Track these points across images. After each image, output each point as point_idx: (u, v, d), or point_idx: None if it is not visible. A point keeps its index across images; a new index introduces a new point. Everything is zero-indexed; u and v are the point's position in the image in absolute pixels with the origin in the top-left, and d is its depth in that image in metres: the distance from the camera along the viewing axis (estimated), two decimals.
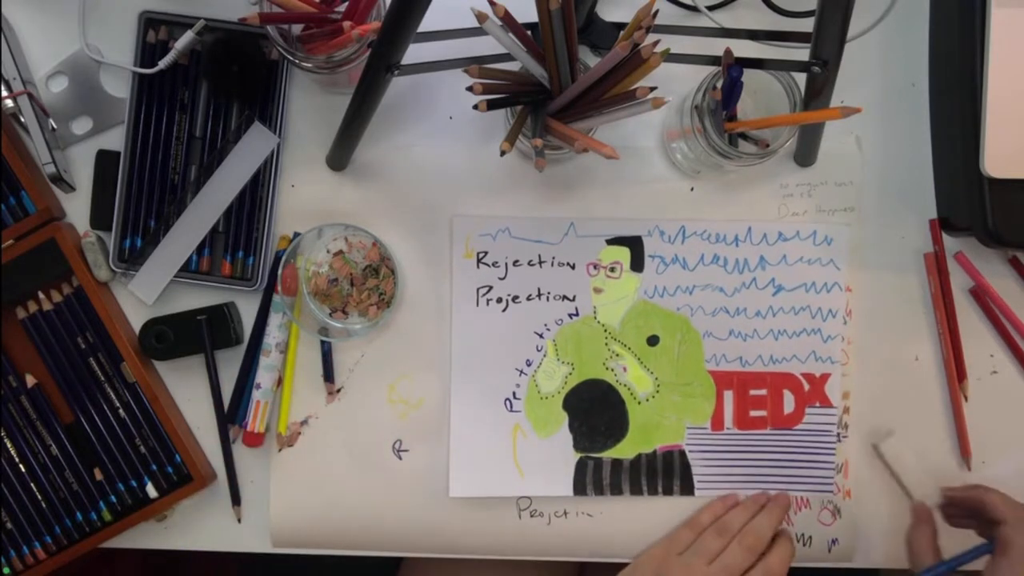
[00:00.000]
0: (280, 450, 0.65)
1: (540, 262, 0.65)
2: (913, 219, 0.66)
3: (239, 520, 0.66)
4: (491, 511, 0.65)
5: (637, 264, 0.66)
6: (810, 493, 0.66)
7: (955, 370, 0.65)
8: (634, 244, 0.66)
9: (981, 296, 0.65)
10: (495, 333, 0.65)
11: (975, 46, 0.59)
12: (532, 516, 0.65)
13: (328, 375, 0.65)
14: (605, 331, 0.66)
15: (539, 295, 0.65)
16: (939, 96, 0.66)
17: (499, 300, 0.65)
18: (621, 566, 0.63)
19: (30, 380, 0.65)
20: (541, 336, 0.66)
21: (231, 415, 0.65)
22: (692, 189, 0.66)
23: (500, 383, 0.65)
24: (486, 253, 0.65)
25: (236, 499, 0.66)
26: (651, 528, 0.65)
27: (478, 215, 0.65)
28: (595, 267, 0.66)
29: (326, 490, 0.65)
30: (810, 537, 0.66)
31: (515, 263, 0.65)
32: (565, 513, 0.65)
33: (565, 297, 0.65)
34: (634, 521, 0.65)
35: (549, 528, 0.65)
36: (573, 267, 0.65)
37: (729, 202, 0.66)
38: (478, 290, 0.65)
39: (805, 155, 0.65)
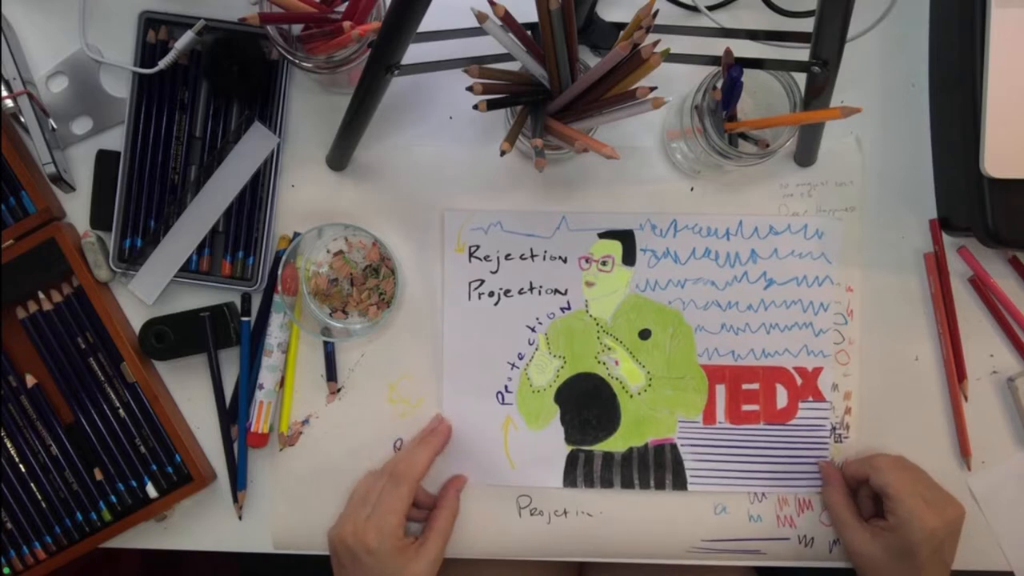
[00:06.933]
0: (282, 449, 0.65)
1: (532, 256, 0.65)
2: (913, 219, 0.66)
3: (239, 516, 0.66)
4: (491, 510, 0.65)
5: (629, 258, 0.66)
6: (806, 491, 0.66)
7: (955, 370, 0.65)
8: (626, 238, 0.66)
9: (981, 287, 0.65)
10: (487, 327, 0.65)
11: (975, 46, 0.59)
12: (532, 514, 0.65)
13: (331, 374, 0.65)
14: (597, 325, 0.66)
15: (531, 289, 0.66)
16: (939, 96, 0.66)
17: (491, 294, 0.65)
18: (621, 566, 0.63)
19: (30, 380, 0.65)
20: (533, 330, 0.66)
21: (232, 414, 0.65)
22: (692, 189, 0.66)
23: (492, 376, 0.66)
24: (478, 247, 0.65)
25: (236, 497, 0.66)
26: (651, 527, 0.65)
27: (469, 209, 0.65)
28: (587, 261, 0.66)
29: (327, 490, 0.65)
30: (812, 538, 0.66)
31: (507, 257, 0.65)
32: (565, 512, 0.65)
33: (557, 291, 0.66)
34: (633, 520, 0.65)
35: (549, 527, 0.65)
36: (565, 261, 0.66)
37: (729, 202, 0.66)
38: (470, 284, 0.65)
39: (805, 155, 0.65)
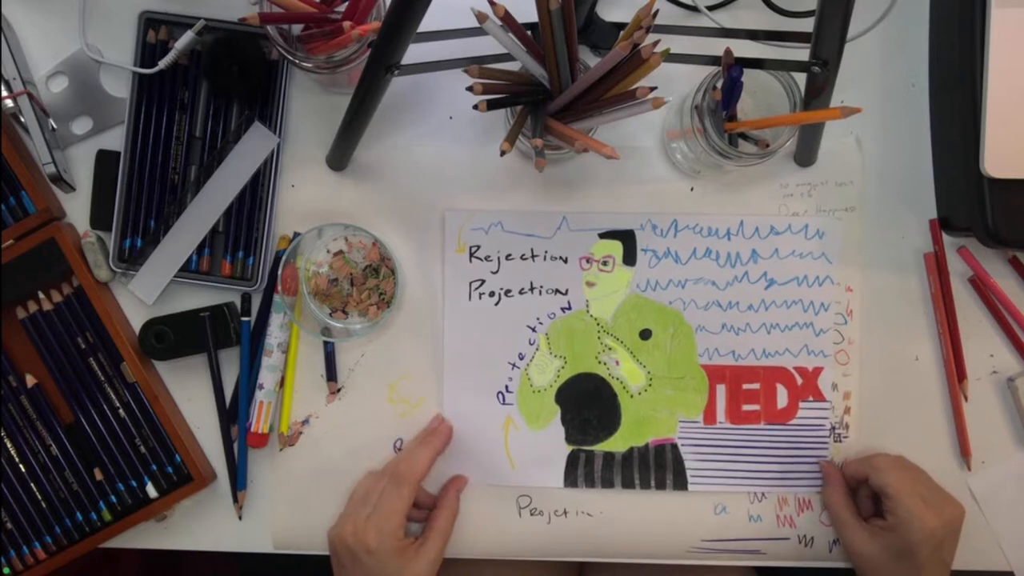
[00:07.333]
0: (282, 449, 0.65)
1: (532, 256, 0.65)
2: (913, 219, 0.66)
3: (239, 516, 0.66)
4: (491, 510, 0.65)
5: (630, 258, 0.66)
6: (805, 490, 0.66)
7: (955, 370, 0.65)
8: (626, 238, 0.66)
9: (981, 287, 0.65)
10: (487, 327, 0.65)
11: (975, 46, 0.59)
12: (532, 514, 0.66)
13: (331, 374, 0.65)
14: (598, 325, 0.66)
15: (532, 289, 0.66)
16: (939, 96, 0.66)
17: (492, 294, 0.66)
18: (621, 566, 0.63)
19: (30, 380, 0.65)
20: (534, 330, 0.66)
21: (232, 414, 0.65)
22: (692, 189, 0.66)
23: (493, 376, 0.66)
24: (478, 247, 0.65)
25: (236, 497, 0.65)
26: (651, 527, 0.65)
27: (470, 209, 0.65)
28: (588, 261, 0.66)
29: (327, 490, 0.65)
30: (812, 538, 0.66)
31: (507, 257, 0.65)
32: (565, 512, 0.65)
33: (558, 291, 0.66)
34: (633, 520, 0.65)
35: (549, 527, 0.65)
36: (566, 261, 0.66)
37: (729, 202, 0.66)
38: (471, 284, 0.65)
39: (805, 155, 0.65)
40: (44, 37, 0.66)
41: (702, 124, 0.57)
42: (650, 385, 0.66)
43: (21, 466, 0.65)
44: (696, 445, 0.66)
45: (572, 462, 0.65)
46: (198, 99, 0.65)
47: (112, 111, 0.65)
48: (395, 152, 0.66)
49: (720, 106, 0.58)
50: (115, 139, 0.66)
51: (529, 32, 0.52)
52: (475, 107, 0.53)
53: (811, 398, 0.66)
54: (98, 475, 0.65)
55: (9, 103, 0.62)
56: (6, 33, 0.63)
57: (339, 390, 0.66)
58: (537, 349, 0.66)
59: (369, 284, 0.64)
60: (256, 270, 0.65)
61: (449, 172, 0.66)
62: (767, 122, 0.57)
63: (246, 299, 0.65)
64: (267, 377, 0.64)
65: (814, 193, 0.66)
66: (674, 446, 0.66)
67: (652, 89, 0.48)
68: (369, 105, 0.56)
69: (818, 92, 0.55)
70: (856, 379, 0.66)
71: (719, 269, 0.66)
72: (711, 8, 0.65)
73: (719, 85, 0.57)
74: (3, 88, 0.62)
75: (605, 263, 0.66)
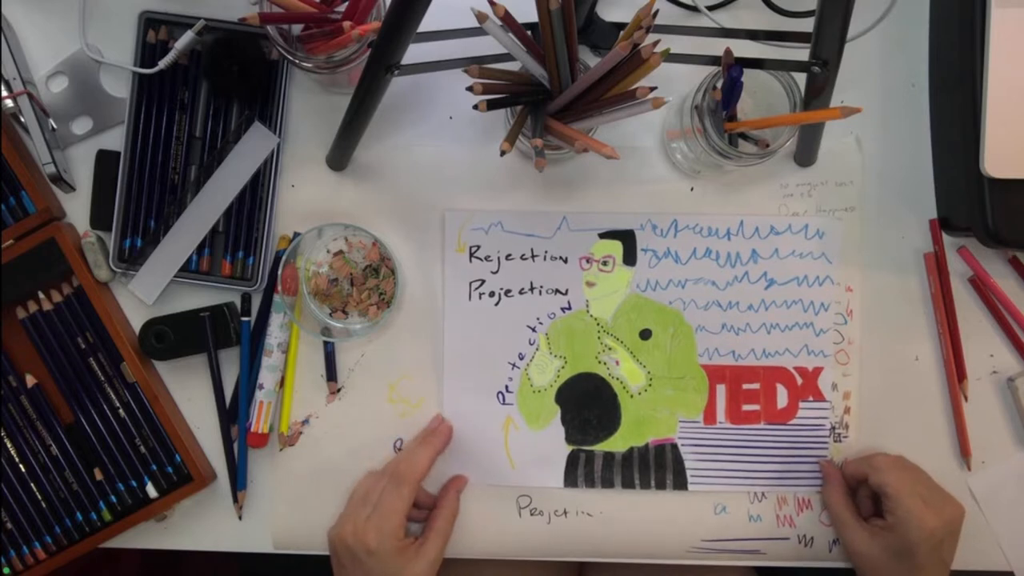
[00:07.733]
0: (282, 449, 0.65)
1: (533, 256, 0.66)
2: (913, 219, 0.66)
3: (239, 516, 0.66)
4: (491, 510, 0.65)
5: (630, 258, 0.66)
6: (805, 490, 0.66)
7: (955, 370, 0.65)
8: (627, 238, 0.66)
9: (981, 287, 0.65)
10: (487, 327, 0.65)
11: (975, 46, 0.59)
12: (532, 514, 0.66)
13: (331, 374, 0.65)
14: (598, 325, 0.66)
15: (531, 289, 0.66)
16: (939, 96, 0.66)
17: (491, 294, 0.66)
18: (621, 566, 0.63)
19: (30, 380, 0.65)
20: (534, 330, 0.66)
21: (232, 414, 0.65)
22: (692, 189, 0.66)
23: (493, 376, 0.66)
24: (479, 247, 0.65)
25: (236, 497, 0.65)
26: (651, 527, 0.65)
27: (470, 209, 0.65)
28: (588, 261, 0.66)
29: (327, 490, 0.65)
30: (812, 538, 0.66)
31: (507, 257, 0.65)
32: (565, 512, 0.65)
33: (558, 291, 0.66)
34: (633, 520, 0.65)
35: (549, 527, 0.65)
36: (566, 261, 0.66)
37: (729, 202, 0.66)
38: (471, 284, 0.65)
39: (805, 155, 0.65)
40: (44, 37, 0.66)
41: (702, 124, 0.57)
42: (650, 385, 0.66)
43: (21, 466, 0.65)
44: (696, 445, 0.66)
45: (572, 462, 0.66)
46: (198, 99, 0.65)
47: (112, 111, 0.65)
48: (395, 152, 0.66)
49: (720, 106, 0.58)
50: (115, 139, 0.66)
51: (529, 32, 0.52)
52: (475, 107, 0.53)
53: (811, 398, 0.66)
54: (98, 475, 0.65)
55: (9, 103, 0.62)
56: (6, 33, 0.63)
57: (339, 390, 0.66)
58: (537, 349, 0.66)
59: (369, 284, 0.64)
60: (256, 270, 0.65)
61: (449, 172, 0.66)
62: (767, 122, 0.57)
63: (246, 299, 0.65)
64: (267, 377, 0.64)
65: (814, 193, 0.66)
66: (674, 446, 0.66)
67: (652, 89, 0.48)
68: (369, 105, 0.56)
69: (818, 92, 0.55)
70: (856, 379, 0.66)
71: (719, 269, 0.66)
72: (711, 8, 0.65)
73: (719, 85, 0.57)
74: (3, 88, 0.62)
75: (605, 263, 0.66)
